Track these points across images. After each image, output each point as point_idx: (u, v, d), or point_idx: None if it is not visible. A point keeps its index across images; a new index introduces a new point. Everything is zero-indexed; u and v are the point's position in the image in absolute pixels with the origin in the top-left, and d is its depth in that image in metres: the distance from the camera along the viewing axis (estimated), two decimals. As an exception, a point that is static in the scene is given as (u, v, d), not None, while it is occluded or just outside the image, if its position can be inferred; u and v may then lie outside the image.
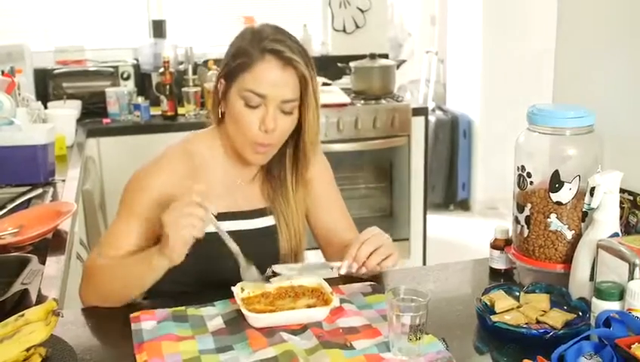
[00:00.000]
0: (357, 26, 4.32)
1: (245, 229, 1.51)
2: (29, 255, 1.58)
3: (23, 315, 1.13)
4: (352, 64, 3.89)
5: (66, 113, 3.17)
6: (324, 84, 3.96)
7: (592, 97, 1.53)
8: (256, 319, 1.28)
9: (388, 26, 4.68)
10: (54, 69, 3.81)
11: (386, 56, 4.17)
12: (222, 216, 1.40)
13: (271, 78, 1.40)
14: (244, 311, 1.28)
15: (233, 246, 1.36)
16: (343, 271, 1.39)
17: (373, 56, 3.86)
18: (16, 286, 1.40)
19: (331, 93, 3.77)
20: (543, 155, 1.44)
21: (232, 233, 1.40)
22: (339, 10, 4.31)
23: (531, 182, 1.43)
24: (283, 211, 1.57)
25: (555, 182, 1.39)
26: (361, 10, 4.30)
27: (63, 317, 1.13)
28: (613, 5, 1.49)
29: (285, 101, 1.42)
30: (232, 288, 1.35)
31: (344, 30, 4.31)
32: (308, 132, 1.48)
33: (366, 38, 4.27)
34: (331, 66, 4.06)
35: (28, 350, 1.10)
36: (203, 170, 1.50)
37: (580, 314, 1.27)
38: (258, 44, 1.40)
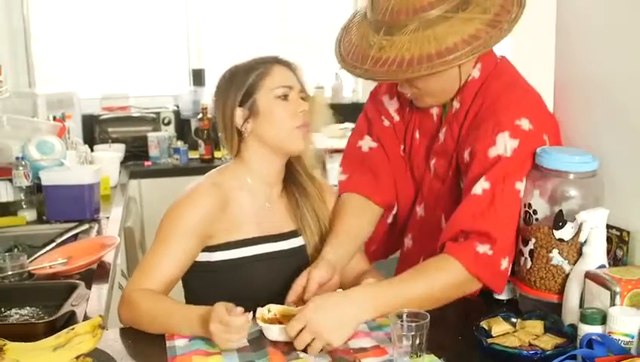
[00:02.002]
0: (386, 75, 4.49)
1: (277, 251, 1.67)
2: (77, 281, 1.76)
3: (73, 328, 1.31)
4: (380, 111, 4.05)
5: (110, 156, 3.38)
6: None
7: (586, 138, 1.64)
8: (268, 329, 1.44)
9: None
10: (101, 115, 4.04)
11: (413, 103, 4.32)
12: (254, 241, 1.60)
13: (286, 75, 1.67)
14: (260, 323, 1.44)
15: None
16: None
17: (400, 104, 4.02)
18: (66, 307, 1.58)
19: (360, 138, 3.93)
20: (548, 194, 1.52)
21: (264, 255, 1.57)
22: (369, 60, 4.50)
23: (536, 219, 1.52)
24: (311, 227, 1.72)
25: (559, 220, 1.48)
26: (390, 59, 4.48)
27: (107, 329, 1.30)
28: (611, 46, 1.59)
29: (301, 89, 1.68)
30: (258, 309, 1.50)
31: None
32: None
33: (394, 86, 4.44)
34: (360, 113, 4.23)
35: (77, 358, 1.27)
36: (231, 199, 1.65)
37: (570, 338, 1.39)
38: (261, 60, 1.68)
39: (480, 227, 1.51)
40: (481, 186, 1.52)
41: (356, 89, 4.56)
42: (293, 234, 1.71)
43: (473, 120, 1.60)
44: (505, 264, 1.54)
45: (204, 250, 1.63)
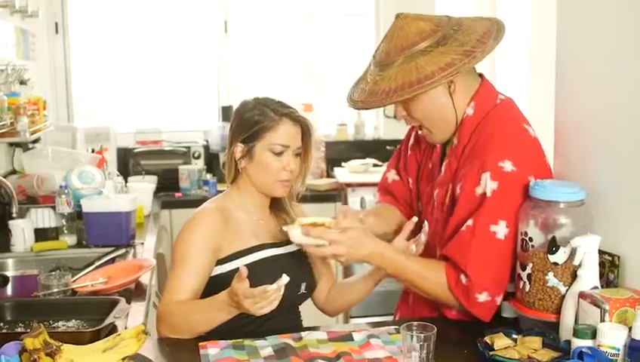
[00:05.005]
0: (407, 113, 4.66)
1: (277, 254, 1.88)
2: (118, 297, 1.93)
3: (119, 334, 1.47)
4: (400, 147, 4.21)
5: (144, 186, 3.55)
6: (375, 165, 4.31)
7: (581, 173, 1.78)
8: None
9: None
10: (135, 148, 4.26)
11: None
12: (256, 248, 1.84)
13: (289, 133, 1.85)
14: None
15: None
16: None
17: (420, 140, 4.18)
18: (109, 319, 1.74)
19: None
20: (542, 223, 1.66)
21: (266, 259, 1.78)
22: (390, 98, 4.67)
23: (532, 246, 1.66)
24: None
25: (552, 246, 1.62)
26: (410, 98, 4.65)
27: (150, 335, 1.46)
28: (605, 90, 1.71)
29: (298, 147, 1.88)
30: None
31: (394, 117, 4.65)
32: (310, 166, 1.94)
33: (415, 123, 4.60)
34: (382, 149, 4.42)
35: (123, 359, 1.43)
36: (231, 218, 1.87)
37: (565, 352, 1.53)
38: (273, 111, 1.84)
39: (459, 262, 1.71)
40: (466, 224, 1.71)
41: (378, 126, 4.74)
42: (287, 242, 1.90)
43: (468, 156, 1.77)
44: (483, 297, 1.70)
45: (216, 264, 1.82)
